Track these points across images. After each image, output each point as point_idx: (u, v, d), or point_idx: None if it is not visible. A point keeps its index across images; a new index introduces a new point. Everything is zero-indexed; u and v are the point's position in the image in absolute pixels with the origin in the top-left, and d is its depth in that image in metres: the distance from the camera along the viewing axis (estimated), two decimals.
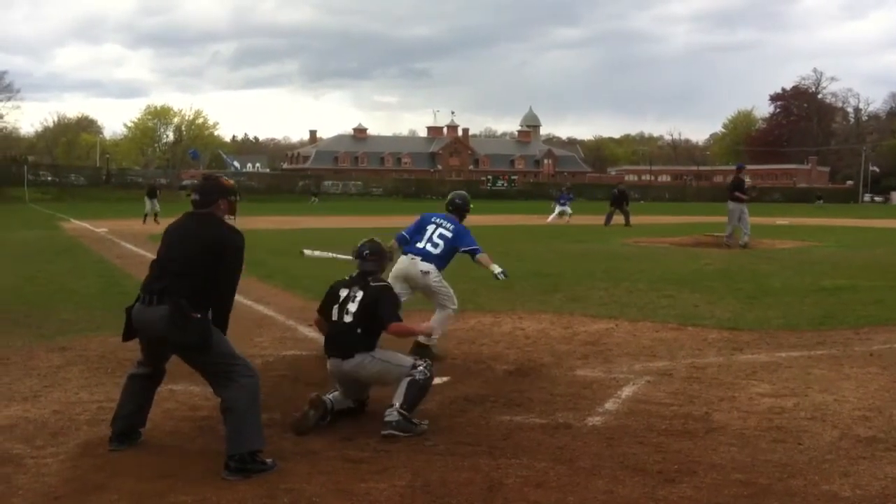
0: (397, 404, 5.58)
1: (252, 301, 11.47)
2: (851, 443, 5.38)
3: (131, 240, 23.69)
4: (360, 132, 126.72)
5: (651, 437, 5.51)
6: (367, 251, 6.05)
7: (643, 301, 11.49)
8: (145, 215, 33.17)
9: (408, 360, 5.94)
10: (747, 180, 25.00)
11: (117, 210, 44.11)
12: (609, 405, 6.30)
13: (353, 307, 5.82)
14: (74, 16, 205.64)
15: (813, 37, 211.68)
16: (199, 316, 5.06)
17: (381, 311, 5.80)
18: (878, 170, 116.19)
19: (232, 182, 5.57)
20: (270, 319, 10.07)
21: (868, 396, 6.51)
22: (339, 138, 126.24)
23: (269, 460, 4.93)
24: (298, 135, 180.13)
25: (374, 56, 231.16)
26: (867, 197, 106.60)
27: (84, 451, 5.21)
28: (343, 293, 5.93)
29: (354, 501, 4.43)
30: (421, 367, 5.81)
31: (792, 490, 4.58)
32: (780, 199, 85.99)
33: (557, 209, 39.15)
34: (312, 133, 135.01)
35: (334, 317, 5.90)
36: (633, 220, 33.01)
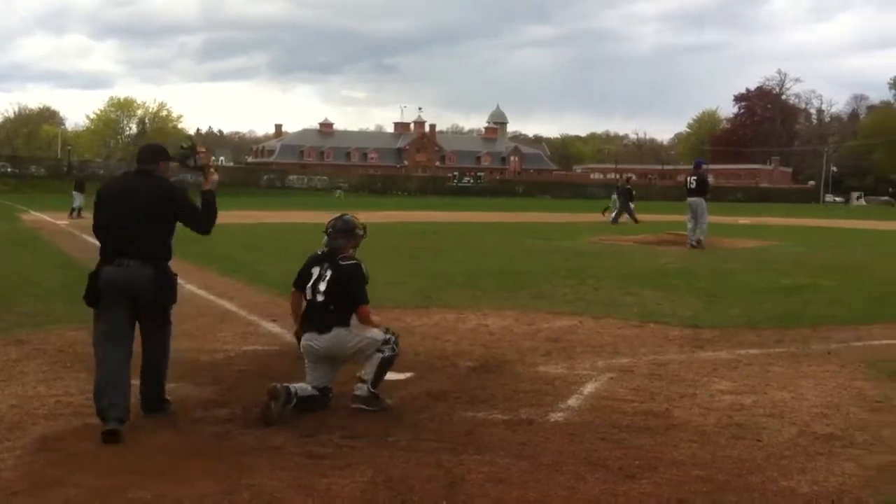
0: (369, 379, 5.90)
1: (215, 296, 11.39)
2: (809, 440, 5.45)
3: (91, 232, 23.36)
4: (326, 127, 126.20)
5: (613, 433, 5.54)
6: (332, 228, 6.18)
7: (607, 298, 11.57)
8: (73, 210, 31.61)
9: (379, 333, 6.10)
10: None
11: None
12: (572, 401, 6.32)
13: (322, 286, 6.01)
14: (40, 5, 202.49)
15: (779, 38, 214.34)
16: (175, 275, 5.75)
17: (352, 291, 6.01)
18: (835, 170, 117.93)
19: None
20: (233, 315, 10.00)
21: (826, 394, 6.60)
22: (305, 132, 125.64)
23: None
24: (264, 129, 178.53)
25: (343, 51, 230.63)
26: (829, 198, 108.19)
27: (41, 445, 5.14)
28: (315, 272, 6.11)
29: (316, 497, 4.41)
30: (391, 344, 6.07)
31: (751, 486, 4.63)
32: (743, 198, 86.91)
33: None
34: (278, 127, 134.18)
35: (308, 296, 6.10)
36: (597, 217, 33.02)
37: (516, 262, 16.75)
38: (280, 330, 9.01)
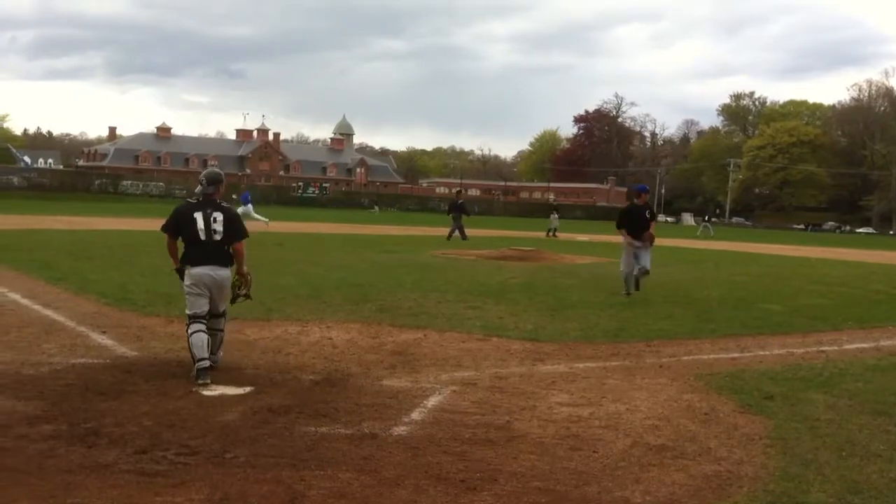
0: (217, 350, 7.49)
1: (40, 306, 10.75)
2: (642, 450, 5.64)
3: None
4: (163, 131, 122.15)
5: (455, 445, 5.57)
6: (205, 179, 7.39)
7: (451, 312, 11.66)
8: None
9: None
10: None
11: None
12: (415, 415, 6.32)
13: (219, 227, 7.22)
14: None
15: (620, 63, 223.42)
16: None
17: (239, 230, 7.39)
18: (663, 192, 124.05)
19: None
20: (60, 325, 9.46)
21: (658, 406, 6.87)
22: (141, 136, 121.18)
23: None
24: (97, 131, 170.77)
25: (187, 53, 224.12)
26: (661, 217, 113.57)
27: None
28: (198, 216, 7.23)
29: None
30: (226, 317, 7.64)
31: (587, 497, 4.74)
32: (582, 216, 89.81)
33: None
34: (112, 129, 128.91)
35: (202, 236, 7.21)
36: (441, 231, 33.01)
37: (360, 274, 16.66)
38: (110, 342, 8.60)
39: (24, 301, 11.05)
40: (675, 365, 8.63)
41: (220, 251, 7.29)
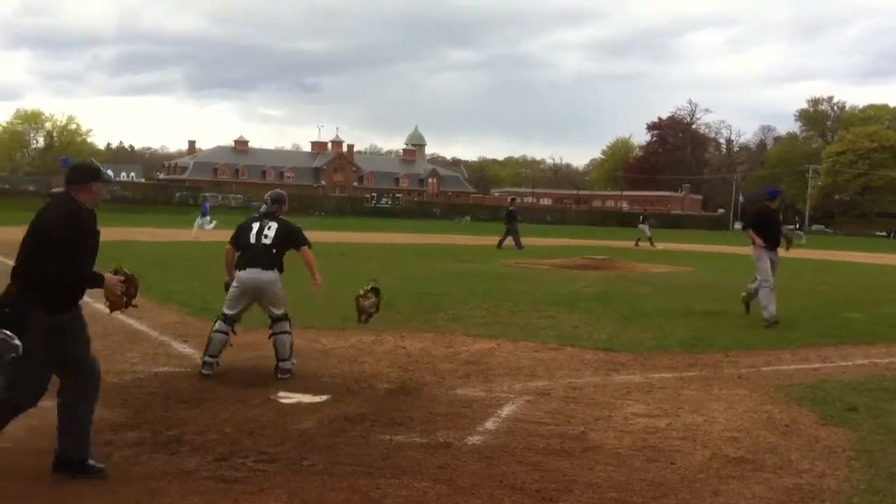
0: (289, 356, 7.72)
1: (124, 315, 11.02)
2: (721, 463, 5.55)
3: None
4: (240, 144, 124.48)
5: (529, 455, 5.55)
6: (269, 198, 8.12)
7: (524, 321, 11.63)
8: None
9: (286, 304, 7.86)
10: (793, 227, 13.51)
11: None
12: (489, 424, 6.32)
13: (270, 233, 7.74)
14: None
15: (694, 69, 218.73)
16: None
17: (299, 238, 7.87)
18: (742, 199, 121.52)
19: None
20: (143, 335, 9.72)
21: (736, 417, 6.74)
22: (220, 150, 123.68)
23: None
24: (177, 145, 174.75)
25: (263, 68, 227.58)
26: (738, 225, 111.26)
27: None
28: (256, 225, 7.83)
29: None
30: (289, 320, 7.84)
31: None
32: (656, 224, 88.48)
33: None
34: (191, 143, 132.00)
35: (252, 240, 7.74)
36: (511, 241, 32.53)
37: (433, 284, 16.73)
38: (191, 351, 8.79)
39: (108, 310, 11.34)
40: (754, 376, 8.46)
41: (267, 254, 7.70)
